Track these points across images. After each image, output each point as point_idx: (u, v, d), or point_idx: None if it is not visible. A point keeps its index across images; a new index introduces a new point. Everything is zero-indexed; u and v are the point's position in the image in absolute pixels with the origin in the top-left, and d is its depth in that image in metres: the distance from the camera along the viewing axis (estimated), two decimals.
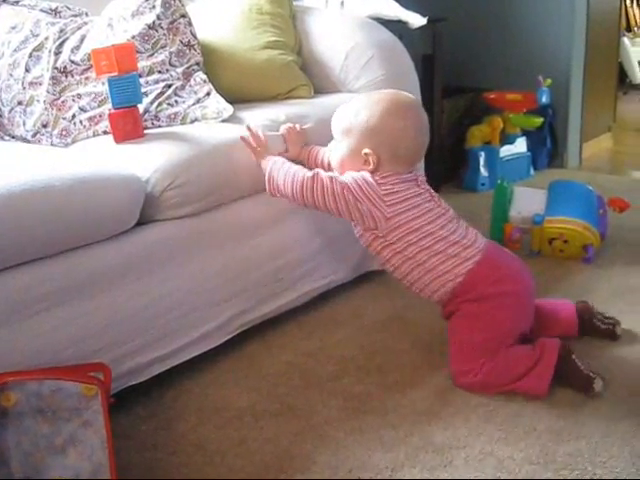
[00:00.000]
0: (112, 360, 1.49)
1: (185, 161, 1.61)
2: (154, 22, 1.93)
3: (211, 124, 1.82)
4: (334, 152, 1.72)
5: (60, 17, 2.01)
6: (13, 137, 1.91)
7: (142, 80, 1.84)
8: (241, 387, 1.68)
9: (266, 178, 1.68)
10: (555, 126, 3.51)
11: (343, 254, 2.04)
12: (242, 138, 1.72)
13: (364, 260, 2.10)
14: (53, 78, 1.86)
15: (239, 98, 2.00)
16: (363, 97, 1.71)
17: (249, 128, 1.74)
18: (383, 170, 1.63)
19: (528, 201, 2.44)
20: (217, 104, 1.86)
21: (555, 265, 2.30)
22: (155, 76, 1.89)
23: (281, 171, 1.66)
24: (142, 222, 1.58)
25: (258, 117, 1.87)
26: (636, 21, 6.17)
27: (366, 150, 1.62)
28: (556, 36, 3.43)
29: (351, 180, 1.61)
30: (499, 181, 2.41)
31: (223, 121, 1.83)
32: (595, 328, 1.79)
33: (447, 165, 3.23)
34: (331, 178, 1.61)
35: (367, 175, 1.62)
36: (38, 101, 1.86)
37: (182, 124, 1.84)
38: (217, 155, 1.69)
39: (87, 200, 1.45)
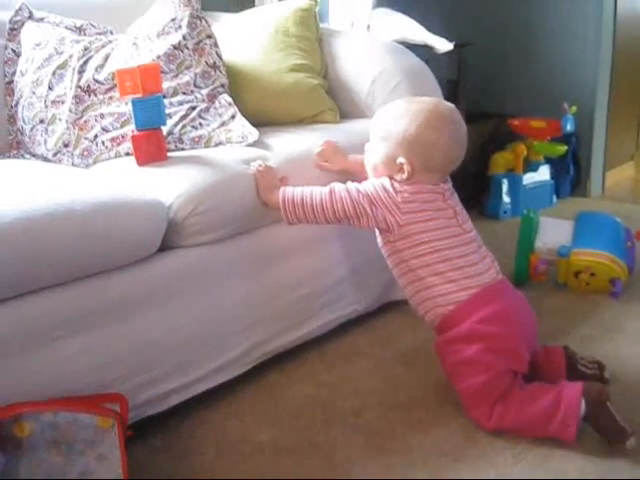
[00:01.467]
0: (129, 390, 1.45)
1: (209, 187, 1.57)
2: (180, 42, 1.90)
3: (236, 148, 1.78)
4: (370, 156, 1.70)
5: (85, 35, 1.98)
6: (34, 155, 1.88)
7: (166, 101, 1.80)
8: (261, 420, 1.62)
9: (281, 209, 1.64)
10: (578, 154, 3.45)
11: (366, 283, 1.99)
12: (256, 174, 1.67)
13: (387, 289, 2.05)
14: (76, 97, 1.83)
15: (263, 121, 1.97)
16: (404, 104, 1.68)
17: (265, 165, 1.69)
18: (415, 179, 1.61)
19: (554, 232, 2.39)
20: (242, 128, 1.82)
21: (581, 299, 2.24)
22: (179, 97, 1.86)
23: (296, 199, 1.63)
24: (163, 248, 1.54)
25: (285, 142, 1.84)
26: None
27: (401, 159, 1.61)
28: (581, 62, 3.38)
29: (369, 186, 1.62)
30: (525, 211, 2.36)
31: (248, 145, 1.79)
32: (581, 374, 1.69)
33: (469, 191, 3.17)
34: (347, 189, 1.62)
35: (387, 182, 1.62)
36: (60, 120, 1.83)
37: (206, 147, 1.80)
38: (241, 181, 1.64)
39: (109, 225, 1.41)
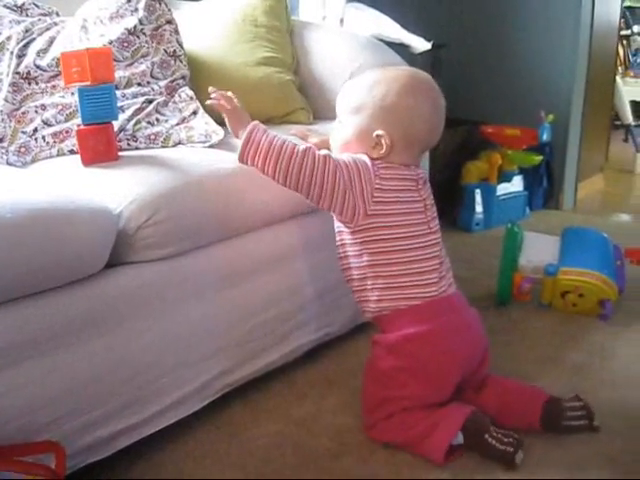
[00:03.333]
0: (68, 434, 1.22)
1: (167, 192, 1.34)
2: (135, 27, 1.67)
3: (197, 148, 1.56)
4: (338, 133, 1.50)
5: (27, 15, 1.75)
6: None
7: (118, 93, 1.58)
8: (223, 463, 1.40)
9: (243, 141, 1.40)
10: (552, 165, 3.31)
11: (339, 303, 1.78)
12: (216, 104, 1.47)
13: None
14: (13, 84, 1.59)
15: None
16: (377, 72, 1.49)
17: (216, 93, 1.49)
18: (392, 156, 1.43)
19: (539, 248, 2.22)
20: (205, 125, 1.60)
21: (569, 321, 2.07)
22: (134, 89, 1.63)
23: (265, 138, 1.39)
24: (111, 264, 1.30)
25: None
26: (622, 60, 6.06)
27: (379, 132, 1.42)
28: (557, 72, 3.26)
29: (350, 161, 1.40)
30: (509, 225, 2.17)
31: (211, 146, 1.57)
32: (567, 428, 1.48)
33: (440, 201, 2.99)
34: (325, 156, 1.39)
35: (367, 159, 1.42)
36: None
37: (163, 147, 1.57)
38: (204, 187, 1.42)
39: (45, 236, 1.16)
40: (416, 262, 1.43)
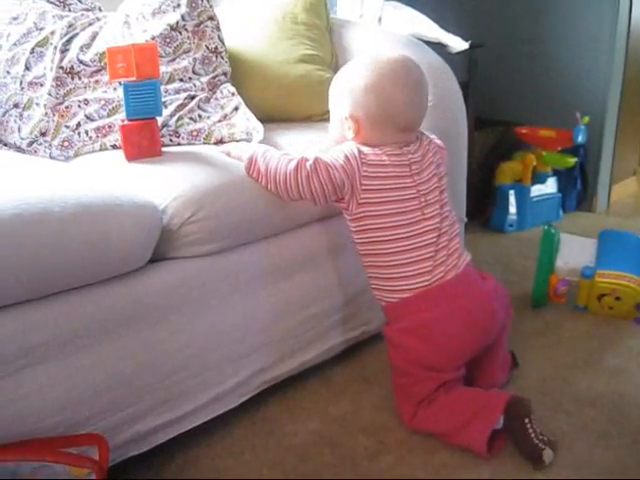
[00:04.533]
0: (108, 428, 1.23)
1: (212, 189, 1.34)
2: (178, 23, 1.68)
3: None
4: (330, 127, 1.55)
5: (69, 10, 1.76)
6: (5, 145, 1.64)
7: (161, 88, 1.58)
8: (261, 460, 1.40)
9: (247, 158, 1.44)
10: (586, 167, 3.27)
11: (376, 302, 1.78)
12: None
13: None
14: (57, 79, 1.60)
15: (266, 116, 1.74)
16: (352, 61, 1.51)
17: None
18: (366, 137, 1.44)
19: (576, 251, 2.19)
20: (247, 122, 1.60)
21: (605, 324, 2.05)
22: (176, 85, 1.63)
23: (261, 170, 1.41)
24: (155, 259, 1.30)
25: (297, 142, 1.62)
26: None
27: (345, 114, 1.45)
28: (593, 73, 3.22)
29: (339, 155, 1.41)
30: (546, 226, 2.16)
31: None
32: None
33: (473, 202, 2.97)
34: (315, 163, 1.39)
35: (354, 147, 1.42)
36: (38, 105, 1.60)
37: (205, 143, 1.58)
38: (247, 184, 1.42)
39: (92, 231, 1.17)
40: (406, 252, 1.42)
